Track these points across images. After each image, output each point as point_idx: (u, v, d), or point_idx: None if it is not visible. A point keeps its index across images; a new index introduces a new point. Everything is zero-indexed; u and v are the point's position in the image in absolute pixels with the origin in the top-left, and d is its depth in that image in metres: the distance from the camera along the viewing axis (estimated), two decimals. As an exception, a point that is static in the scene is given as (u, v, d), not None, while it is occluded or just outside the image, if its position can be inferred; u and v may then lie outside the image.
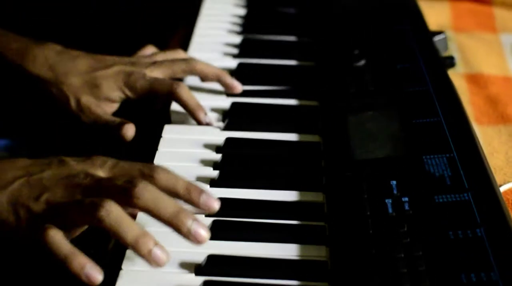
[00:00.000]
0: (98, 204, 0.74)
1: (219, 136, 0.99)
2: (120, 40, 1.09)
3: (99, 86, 1.02)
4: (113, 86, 1.02)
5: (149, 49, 1.13)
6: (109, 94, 1.02)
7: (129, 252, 0.79)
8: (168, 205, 0.75)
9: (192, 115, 1.01)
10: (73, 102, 1.02)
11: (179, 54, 1.10)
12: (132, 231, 0.73)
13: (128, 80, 1.02)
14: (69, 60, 1.04)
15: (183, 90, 1.00)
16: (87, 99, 1.02)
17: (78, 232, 0.79)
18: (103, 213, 0.73)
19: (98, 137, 1.06)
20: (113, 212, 0.73)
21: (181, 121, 1.03)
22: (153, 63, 1.05)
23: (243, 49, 1.21)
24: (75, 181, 0.78)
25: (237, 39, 1.25)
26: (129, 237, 0.73)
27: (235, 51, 1.21)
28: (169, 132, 1.00)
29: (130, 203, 0.75)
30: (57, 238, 0.74)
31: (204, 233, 0.75)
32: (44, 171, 0.80)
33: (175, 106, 1.04)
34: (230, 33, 1.27)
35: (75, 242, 0.90)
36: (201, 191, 0.77)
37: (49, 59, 1.03)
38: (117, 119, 1.01)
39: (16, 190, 0.78)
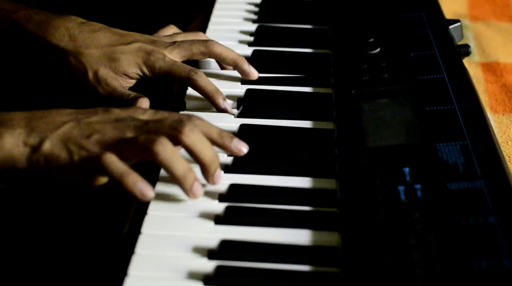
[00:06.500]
0: (154, 140, 0.81)
1: (234, 123, 0.99)
2: (137, 27, 1.09)
3: (117, 61, 1.03)
4: (131, 62, 1.03)
5: (170, 29, 1.14)
6: (127, 69, 1.03)
7: (142, 237, 0.80)
8: (210, 149, 0.85)
9: (210, 101, 1.01)
10: (90, 74, 1.03)
11: (199, 36, 1.11)
12: (182, 166, 0.82)
13: (147, 59, 1.03)
14: (90, 32, 1.05)
15: (200, 77, 1.01)
16: (104, 72, 1.03)
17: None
18: (159, 147, 0.81)
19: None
20: (168, 147, 0.81)
21: (196, 108, 1.04)
22: (173, 43, 1.06)
23: (258, 37, 1.21)
24: (124, 123, 0.85)
25: (252, 27, 1.25)
26: (180, 171, 0.82)
27: (250, 39, 1.21)
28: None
29: (178, 140, 0.83)
30: (112, 159, 0.81)
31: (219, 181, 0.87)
32: (92, 117, 0.86)
33: (190, 92, 1.04)
34: (245, 21, 1.27)
35: (89, 226, 0.92)
36: (232, 137, 0.88)
37: (70, 30, 1.04)
38: (133, 93, 1.02)
39: (66, 131, 0.84)
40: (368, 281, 0.73)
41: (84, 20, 1.07)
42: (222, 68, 1.12)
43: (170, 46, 1.05)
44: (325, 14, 1.26)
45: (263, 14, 1.28)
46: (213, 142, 0.87)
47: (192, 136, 0.83)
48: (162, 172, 0.88)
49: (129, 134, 0.84)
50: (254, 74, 1.08)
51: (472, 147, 0.86)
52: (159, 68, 1.02)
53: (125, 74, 1.03)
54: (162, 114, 0.87)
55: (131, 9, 1.45)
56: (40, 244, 0.92)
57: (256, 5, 1.32)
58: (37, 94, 1.16)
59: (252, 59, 1.13)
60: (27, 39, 1.05)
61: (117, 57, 1.03)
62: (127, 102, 1.01)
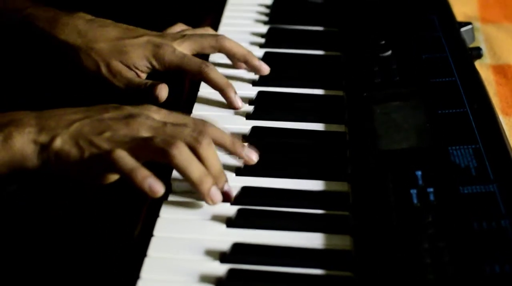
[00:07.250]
0: (171, 143, 0.81)
1: (245, 125, 0.99)
2: (146, 28, 1.09)
3: (126, 53, 1.03)
4: (141, 55, 1.03)
5: (178, 27, 1.14)
6: (136, 62, 1.03)
7: (154, 239, 0.80)
8: (219, 162, 0.84)
9: (222, 94, 1.02)
10: (103, 68, 1.03)
11: (208, 31, 1.12)
12: (198, 171, 0.82)
13: (157, 52, 1.03)
14: (99, 28, 1.05)
15: (212, 71, 1.01)
16: (116, 64, 1.03)
17: None
18: (176, 151, 0.80)
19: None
20: (184, 151, 0.81)
21: (207, 109, 1.04)
22: (182, 36, 1.06)
23: (270, 39, 1.21)
24: (137, 121, 0.84)
25: (264, 29, 1.25)
26: (195, 176, 0.81)
27: (261, 40, 1.21)
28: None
29: (195, 151, 0.82)
30: (123, 154, 0.80)
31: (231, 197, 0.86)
32: (103, 114, 0.85)
33: (201, 94, 1.04)
34: (256, 22, 1.27)
35: (101, 228, 0.92)
36: (244, 145, 0.89)
37: (78, 26, 1.05)
38: (149, 81, 1.03)
39: (77, 128, 0.83)
40: (381, 285, 0.73)
41: (93, 17, 1.07)
42: (233, 63, 1.11)
43: (179, 39, 1.05)
44: (336, 16, 1.26)
45: (274, 15, 1.28)
46: (226, 149, 0.88)
47: (209, 150, 0.83)
48: (174, 174, 0.88)
49: (144, 133, 0.83)
50: (265, 68, 1.08)
51: (485, 150, 0.86)
52: (169, 61, 1.03)
53: (135, 67, 1.03)
54: (175, 118, 0.87)
55: (139, 11, 1.45)
56: (52, 247, 0.92)
57: (267, 6, 1.32)
58: (37, 94, 1.16)
59: (263, 61, 1.13)
60: (36, 36, 1.06)
61: (126, 50, 1.03)
62: (146, 90, 1.01)
